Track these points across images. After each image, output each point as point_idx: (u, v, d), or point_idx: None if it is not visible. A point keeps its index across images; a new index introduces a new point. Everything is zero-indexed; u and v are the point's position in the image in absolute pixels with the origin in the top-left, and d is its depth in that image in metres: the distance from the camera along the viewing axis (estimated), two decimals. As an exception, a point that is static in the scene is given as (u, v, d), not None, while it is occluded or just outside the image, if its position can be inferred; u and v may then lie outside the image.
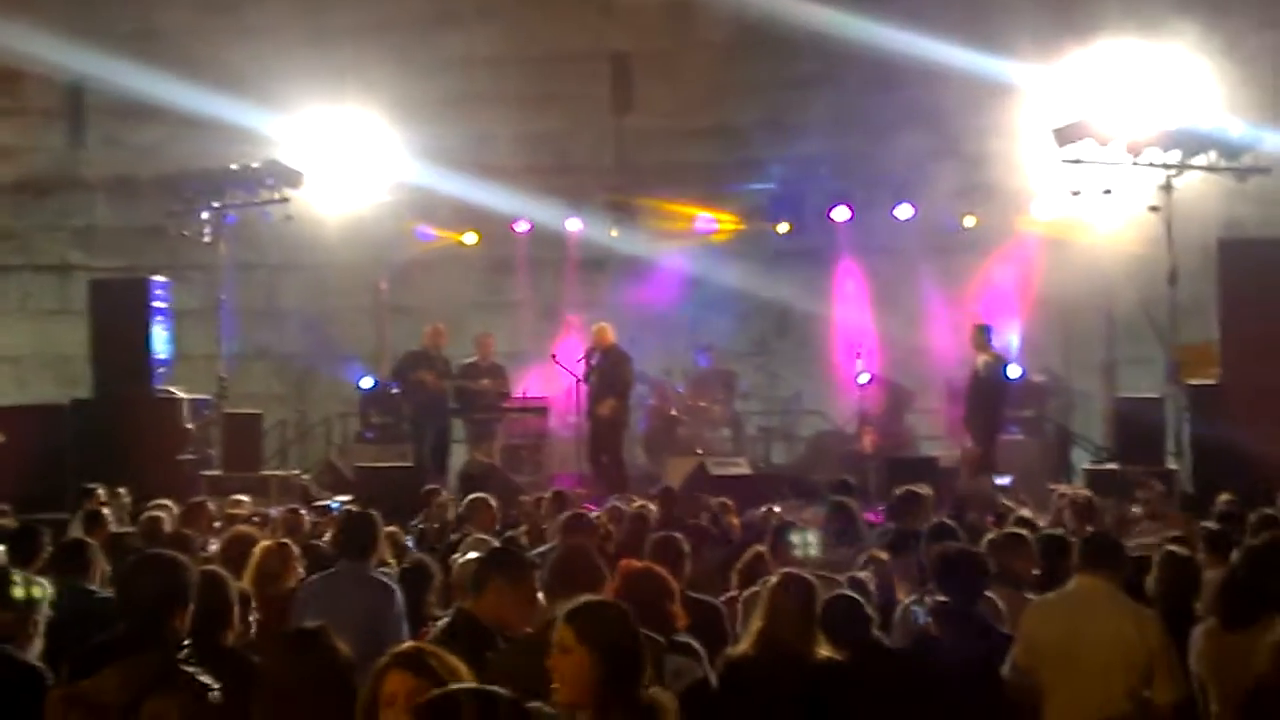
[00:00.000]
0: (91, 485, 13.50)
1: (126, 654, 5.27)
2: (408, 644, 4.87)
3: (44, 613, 6.57)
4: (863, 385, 20.26)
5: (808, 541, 10.26)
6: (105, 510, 12.16)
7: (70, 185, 24.78)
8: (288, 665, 5.00)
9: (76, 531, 10.99)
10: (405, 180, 21.67)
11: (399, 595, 8.22)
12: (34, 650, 6.49)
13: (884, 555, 9.55)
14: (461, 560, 8.74)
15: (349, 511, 10.31)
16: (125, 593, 6.19)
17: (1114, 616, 7.29)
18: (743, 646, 6.89)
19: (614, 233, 21.92)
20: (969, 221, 21.00)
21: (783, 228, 21.71)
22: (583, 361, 18.52)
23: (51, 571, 8.20)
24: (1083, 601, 7.42)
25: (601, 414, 18.20)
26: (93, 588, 8.30)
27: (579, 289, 22.96)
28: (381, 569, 8.89)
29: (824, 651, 6.74)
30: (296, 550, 9.05)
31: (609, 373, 18.39)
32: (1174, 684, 7.18)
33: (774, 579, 7.01)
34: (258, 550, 8.80)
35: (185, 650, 5.59)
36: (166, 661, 5.26)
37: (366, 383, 21.45)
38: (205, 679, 5.00)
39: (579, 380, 18.52)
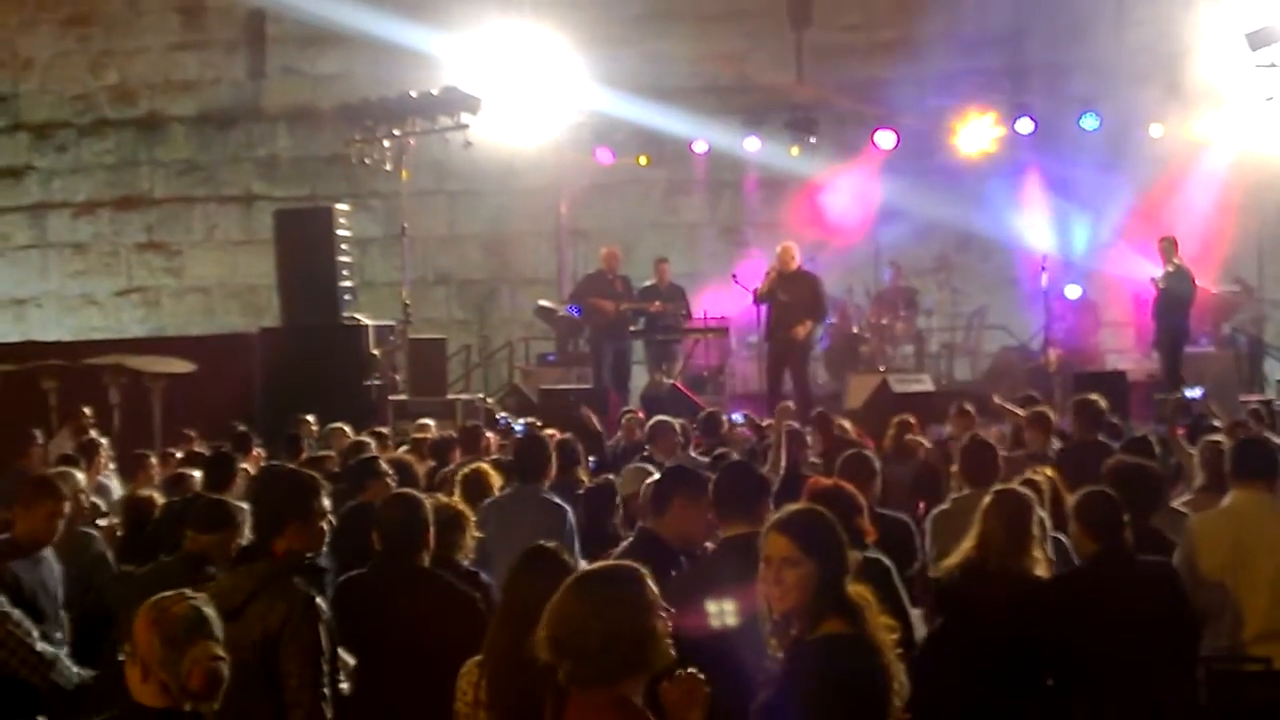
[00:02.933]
0: (300, 415, 13.76)
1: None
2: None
3: (244, 535, 6.69)
4: (1073, 300, 20.01)
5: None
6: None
7: (252, 116, 25.15)
8: (524, 582, 5.13)
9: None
10: (584, 104, 21.60)
11: (570, 515, 8.36)
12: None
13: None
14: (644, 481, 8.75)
15: (523, 435, 10.40)
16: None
17: (1275, 525, 7.21)
18: (953, 561, 6.85)
19: (794, 151, 21.61)
20: (1157, 131, 20.43)
21: (968, 142, 21.17)
22: (767, 283, 18.17)
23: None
24: (1242, 515, 7.30)
25: (797, 336, 17.87)
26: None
27: (758, 209, 22.81)
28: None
29: (1039, 570, 6.67)
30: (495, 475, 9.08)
31: (801, 294, 18.05)
32: None
33: (989, 496, 6.94)
34: (461, 474, 8.91)
35: (310, 560, 5.73)
36: (277, 569, 5.50)
37: (544, 305, 21.38)
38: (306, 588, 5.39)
39: (757, 301, 18.27)
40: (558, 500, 8.55)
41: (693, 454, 11.59)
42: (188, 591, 4.50)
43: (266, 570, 5.54)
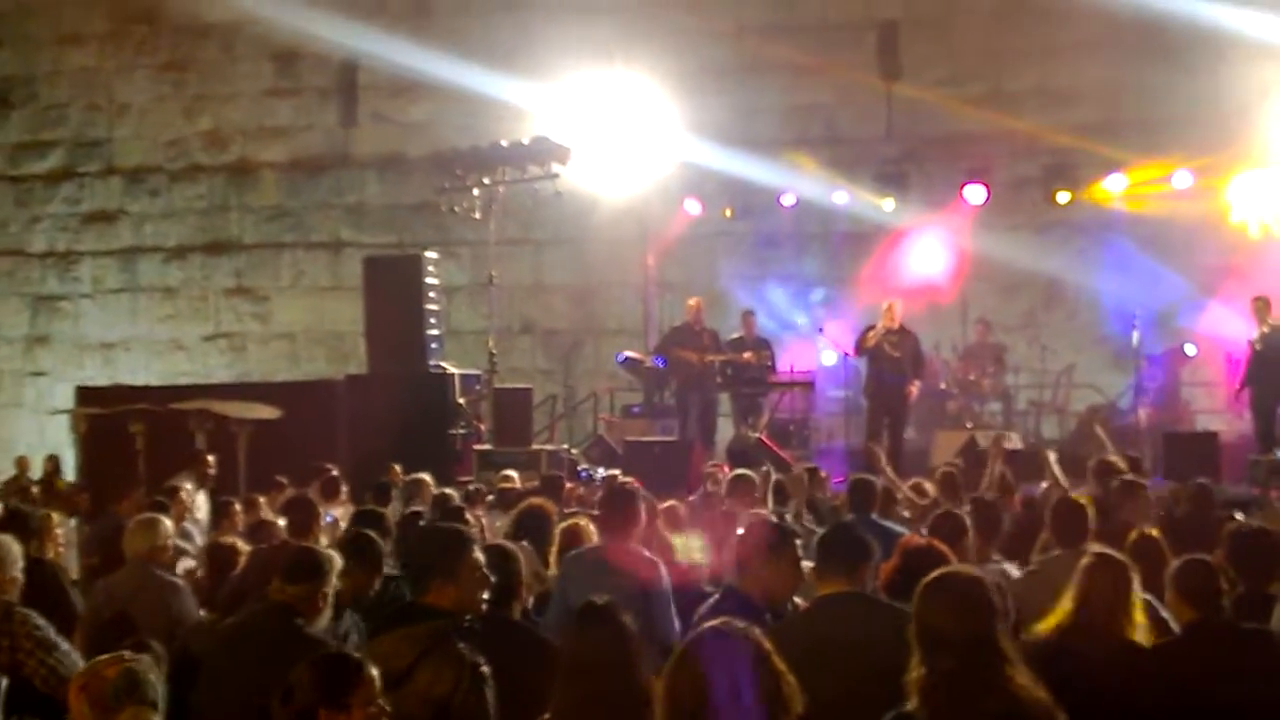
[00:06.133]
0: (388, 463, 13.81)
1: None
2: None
3: (333, 585, 6.65)
4: (1190, 357, 19.86)
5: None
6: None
7: (342, 163, 25.33)
8: (577, 638, 5.09)
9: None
10: (673, 154, 21.57)
11: (661, 572, 8.10)
12: (321, 622, 6.59)
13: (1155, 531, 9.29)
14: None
15: (611, 484, 10.34)
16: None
17: None
18: (1048, 625, 6.75)
19: (884, 204, 21.43)
20: (1243, 187, 20.17)
21: (1061, 197, 21.00)
22: (874, 336, 18.14)
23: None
24: None
25: (910, 396, 18.04)
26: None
27: (845, 263, 22.70)
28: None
29: (1139, 636, 6.56)
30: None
31: (906, 350, 18.13)
32: None
33: (1087, 559, 6.84)
34: (561, 529, 8.87)
35: (470, 622, 5.65)
36: (439, 632, 5.36)
37: (626, 357, 21.31)
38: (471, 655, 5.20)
39: (858, 353, 18.30)
40: (650, 556, 8.37)
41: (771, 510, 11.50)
42: (126, 654, 4.39)
43: (428, 633, 5.49)
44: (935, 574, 5.21)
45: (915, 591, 5.12)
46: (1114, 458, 12.26)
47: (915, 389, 18.09)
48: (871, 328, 18.17)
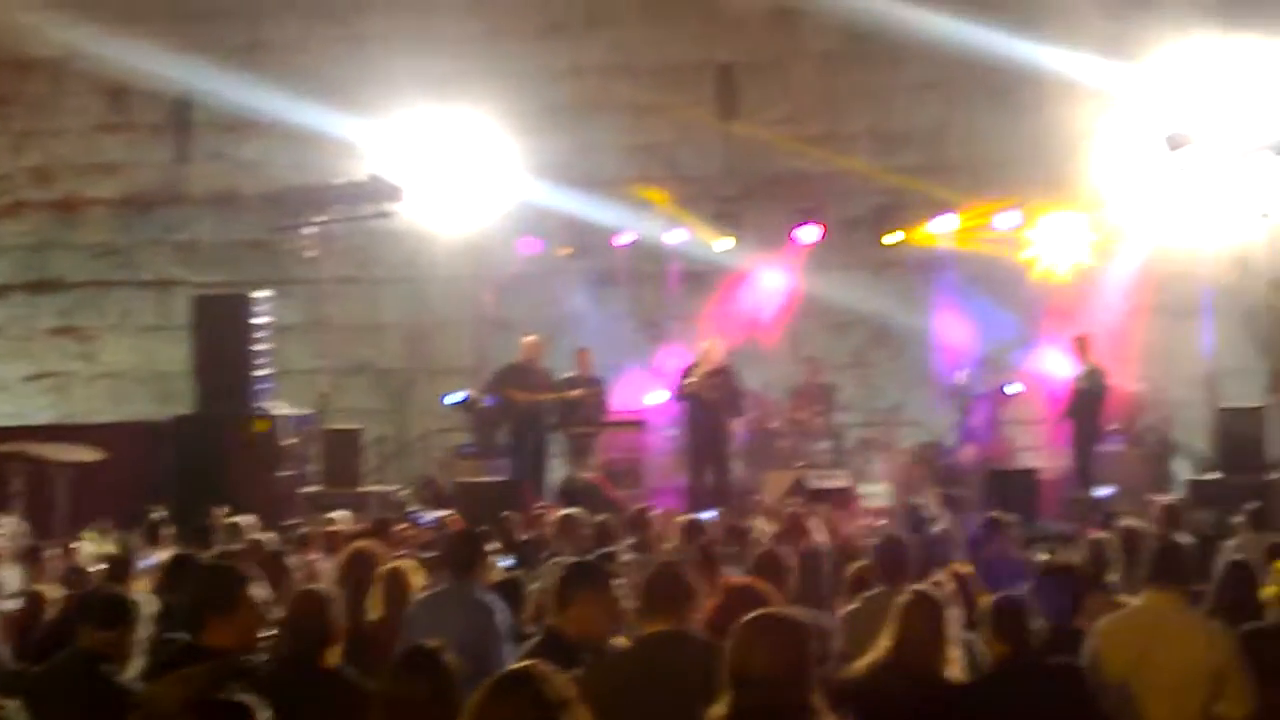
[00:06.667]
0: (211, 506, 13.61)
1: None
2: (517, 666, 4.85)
3: (144, 631, 6.57)
4: (960, 384, 20.19)
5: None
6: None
7: (174, 200, 24.98)
8: (403, 685, 5.06)
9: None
10: (511, 192, 21.55)
11: (499, 613, 8.16)
12: (131, 669, 6.50)
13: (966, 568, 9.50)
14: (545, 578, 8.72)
15: (454, 529, 10.31)
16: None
17: (1183, 633, 7.25)
18: (865, 663, 6.83)
19: (722, 243, 21.57)
20: (1069, 227, 20.63)
21: (891, 237, 21.29)
22: (690, 376, 18.39)
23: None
24: (1151, 619, 7.36)
25: (729, 433, 18.26)
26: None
27: (679, 302, 22.82)
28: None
29: (952, 672, 6.67)
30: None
31: (725, 390, 18.31)
32: (1245, 700, 7.09)
33: (904, 597, 6.94)
34: (380, 572, 8.82)
35: (278, 668, 5.59)
36: (215, 673, 5.30)
37: (455, 398, 21.29)
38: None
39: (681, 395, 18.46)
40: (489, 598, 8.36)
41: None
42: None
43: (204, 674, 5.39)
44: (754, 614, 5.30)
45: (732, 629, 5.20)
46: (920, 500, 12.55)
47: (732, 425, 18.33)
48: (691, 370, 18.39)
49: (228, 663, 5.45)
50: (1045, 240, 20.50)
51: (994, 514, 12.12)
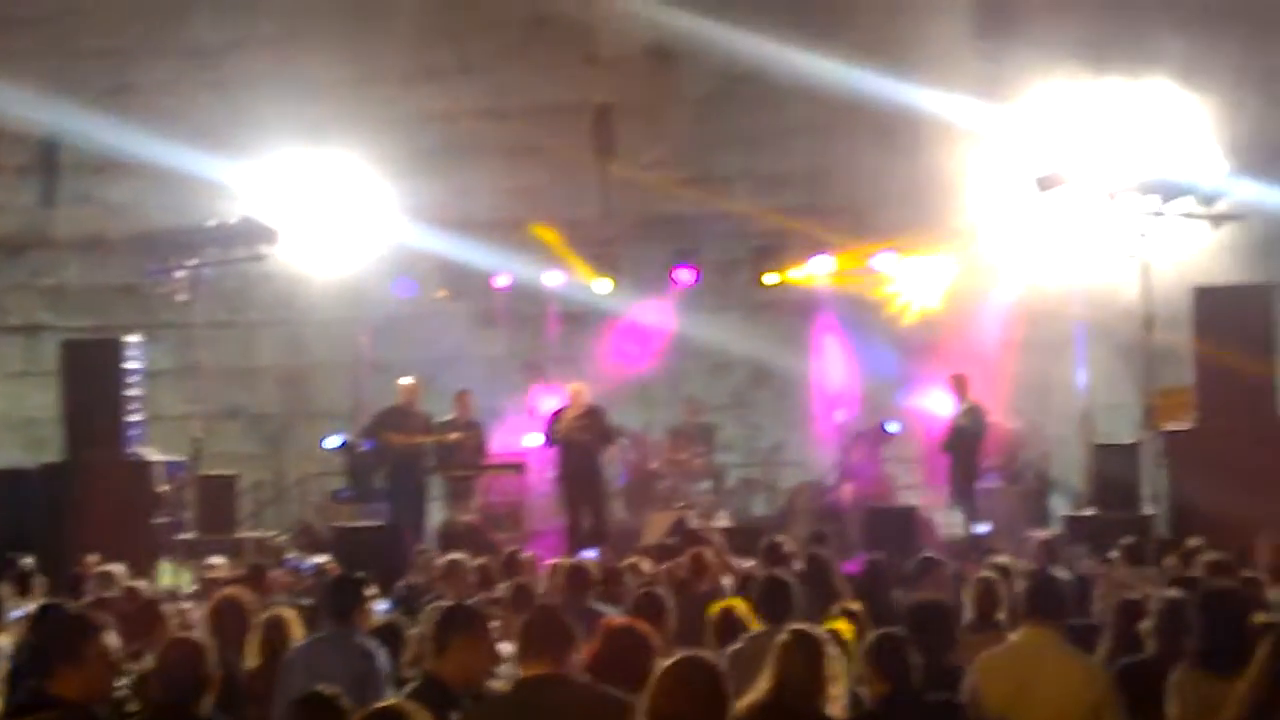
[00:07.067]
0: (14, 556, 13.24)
1: None
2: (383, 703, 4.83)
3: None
4: (840, 423, 20.30)
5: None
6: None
7: (41, 244, 24.58)
8: None
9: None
10: (386, 235, 21.38)
11: (380, 658, 8.09)
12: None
13: (856, 606, 9.49)
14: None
15: (333, 575, 10.19)
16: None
17: (1060, 668, 7.25)
18: (745, 704, 6.77)
19: (600, 285, 21.52)
20: (944, 266, 20.82)
21: (769, 278, 21.37)
22: (558, 421, 18.41)
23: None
24: (1029, 654, 7.36)
25: (594, 471, 18.24)
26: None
27: (559, 344, 22.75)
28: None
29: (834, 711, 6.63)
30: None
31: (593, 429, 18.32)
32: None
33: (784, 636, 6.88)
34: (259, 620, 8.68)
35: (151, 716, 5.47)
36: None
37: (332, 442, 21.08)
38: None
39: (550, 440, 18.51)
40: (369, 643, 8.26)
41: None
42: None
43: None
44: (677, 659, 5.39)
45: (655, 674, 5.32)
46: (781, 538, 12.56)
47: (598, 465, 18.39)
48: (559, 414, 18.42)
49: (73, 713, 5.29)
50: (911, 280, 20.64)
51: (871, 557, 12.17)
